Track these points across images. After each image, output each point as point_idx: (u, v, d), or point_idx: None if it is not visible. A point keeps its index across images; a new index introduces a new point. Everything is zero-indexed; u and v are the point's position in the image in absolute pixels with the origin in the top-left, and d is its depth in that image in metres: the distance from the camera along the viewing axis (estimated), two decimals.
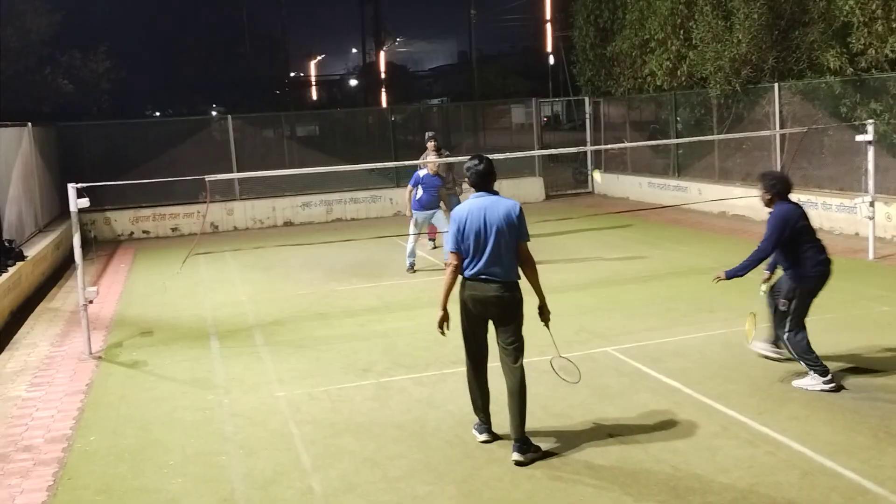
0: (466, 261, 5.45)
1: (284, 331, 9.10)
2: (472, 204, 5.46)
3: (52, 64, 20.31)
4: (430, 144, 13.37)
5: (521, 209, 5.46)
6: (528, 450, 5.36)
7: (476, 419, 5.81)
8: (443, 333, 5.63)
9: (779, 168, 14.99)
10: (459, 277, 5.51)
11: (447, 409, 6.39)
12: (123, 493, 5.28)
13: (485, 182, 5.51)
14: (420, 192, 11.87)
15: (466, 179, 5.57)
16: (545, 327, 5.65)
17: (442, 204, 12.02)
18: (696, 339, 7.87)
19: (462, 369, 7.26)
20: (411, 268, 12.01)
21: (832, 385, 6.27)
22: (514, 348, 5.48)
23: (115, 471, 5.62)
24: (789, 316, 6.43)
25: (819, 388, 6.28)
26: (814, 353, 6.35)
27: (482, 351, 5.65)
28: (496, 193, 5.53)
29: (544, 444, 5.60)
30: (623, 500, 4.81)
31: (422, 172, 11.95)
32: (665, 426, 5.84)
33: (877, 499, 4.66)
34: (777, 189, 6.54)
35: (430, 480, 5.20)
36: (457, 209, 5.56)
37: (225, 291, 11.38)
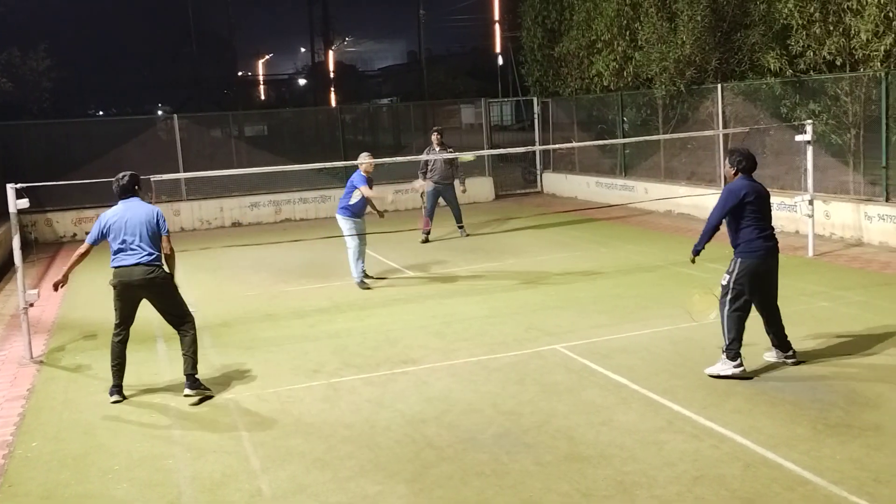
0: (113, 255, 6.86)
1: (233, 332, 9.01)
2: (116, 210, 6.90)
3: None
4: (435, 137, 13.57)
5: (159, 212, 6.95)
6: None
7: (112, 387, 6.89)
8: (56, 290, 7.21)
9: (722, 167, 15.30)
10: (112, 269, 6.89)
11: (397, 409, 6.40)
12: (67, 500, 5.18)
13: (125, 192, 6.96)
14: (354, 197, 10.67)
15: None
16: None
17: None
18: (643, 335, 7.99)
19: (413, 368, 7.31)
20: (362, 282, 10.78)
21: (741, 369, 6.58)
22: (179, 317, 6.98)
23: (57, 477, 5.51)
24: (728, 291, 6.66)
25: (729, 373, 6.57)
26: (739, 338, 6.61)
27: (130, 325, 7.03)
28: (140, 199, 7.01)
29: (492, 441, 5.64)
30: (571, 496, 4.87)
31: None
32: (612, 422, 5.92)
33: (816, 489, 4.80)
34: (742, 165, 6.77)
35: (380, 480, 5.20)
36: (105, 213, 6.95)
37: None
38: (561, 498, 4.85)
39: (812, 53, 13.21)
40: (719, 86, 15.22)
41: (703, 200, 15.09)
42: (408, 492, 5.03)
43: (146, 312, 10.08)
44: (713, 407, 6.08)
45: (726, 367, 6.62)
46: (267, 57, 64.09)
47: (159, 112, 38.19)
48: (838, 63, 13.03)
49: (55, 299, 11.19)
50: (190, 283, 11.89)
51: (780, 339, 6.89)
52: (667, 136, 16.15)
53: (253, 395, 6.90)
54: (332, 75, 49.53)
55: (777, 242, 6.82)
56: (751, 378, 6.58)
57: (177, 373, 7.62)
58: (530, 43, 21.14)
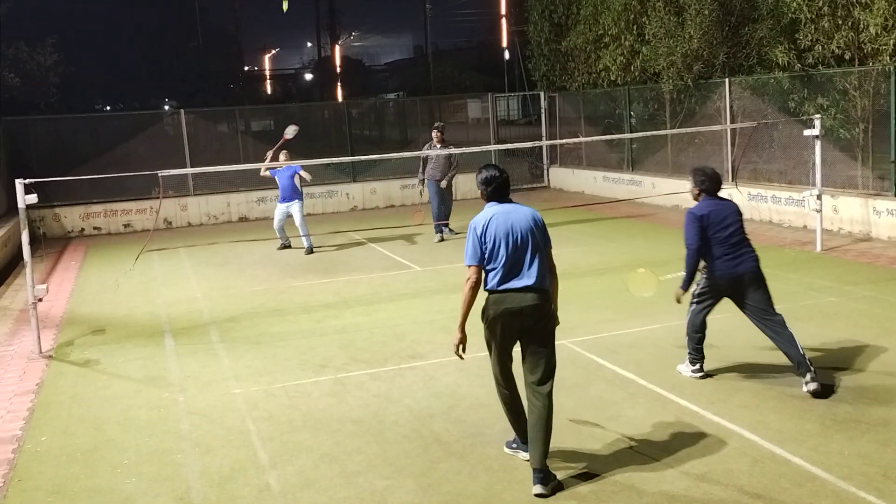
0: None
1: (240, 327, 9.03)
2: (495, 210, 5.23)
3: None
4: (435, 134, 13.56)
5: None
6: (550, 480, 4.89)
7: (512, 437, 5.42)
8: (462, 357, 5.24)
9: (730, 162, 15.27)
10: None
11: (405, 404, 6.40)
12: (76, 494, 5.20)
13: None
14: (278, 183, 13.18)
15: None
16: None
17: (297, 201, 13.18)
18: (651, 330, 7.98)
19: (420, 363, 7.32)
20: (284, 247, 13.56)
21: (699, 374, 6.60)
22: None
23: (67, 471, 5.53)
24: (696, 295, 6.64)
25: (688, 374, 6.65)
26: (699, 342, 6.60)
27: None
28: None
29: (500, 436, 5.64)
30: (579, 490, 4.87)
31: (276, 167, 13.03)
32: (620, 417, 5.92)
33: (824, 484, 4.79)
34: (705, 186, 6.65)
35: (389, 475, 5.21)
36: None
37: (179, 288, 11.24)
38: (568, 493, 4.85)
39: (820, 47, 13.14)
40: (727, 80, 15.16)
41: None
42: (416, 487, 5.03)
43: (153, 307, 10.16)
44: (721, 402, 6.08)
45: (686, 368, 6.71)
46: (273, 52, 64.09)
47: (166, 107, 38.25)
48: (847, 57, 12.98)
49: (64, 294, 11.24)
50: (197, 277, 11.93)
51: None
52: (674, 131, 16.11)
53: (260, 390, 6.91)
54: (338, 70, 49.48)
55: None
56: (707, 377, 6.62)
57: (185, 367, 7.66)
58: (537, 37, 21.09)
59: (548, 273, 5.22)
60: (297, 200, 13.13)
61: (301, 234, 13.12)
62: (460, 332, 5.12)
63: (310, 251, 13.16)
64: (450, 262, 11.92)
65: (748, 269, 6.40)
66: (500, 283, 5.06)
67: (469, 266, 5.07)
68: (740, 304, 6.52)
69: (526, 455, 5.21)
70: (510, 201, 5.35)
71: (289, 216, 13.27)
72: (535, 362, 5.13)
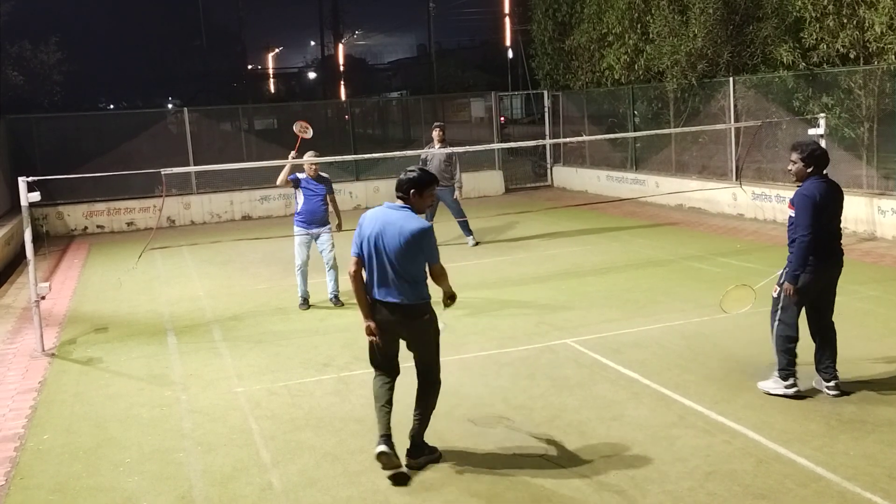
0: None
1: (243, 326, 9.02)
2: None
3: (0, 55, 19.81)
4: (436, 133, 12.62)
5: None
6: (422, 453, 5.27)
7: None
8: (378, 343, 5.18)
9: (733, 161, 15.24)
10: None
11: (407, 403, 6.35)
12: (78, 492, 5.19)
13: None
14: (301, 199, 9.47)
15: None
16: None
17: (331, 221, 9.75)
18: (654, 330, 7.96)
19: None
20: (304, 303, 9.65)
21: (794, 390, 5.98)
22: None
23: (69, 469, 5.52)
24: (779, 305, 6.02)
25: (780, 393, 6.02)
26: (792, 356, 5.99)
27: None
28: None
29: (503, 436, 5.62)
30: (583, 490, 4.85)
31: (302, 174, 9.45)
32: (624, 417, 5.90)
33: (829, 485, 4.76)
34: (818, 162, 5.82)
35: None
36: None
37: (182, 286, 11.23)
38: (572, 493, 4.83)
39: (825, 46, 13.10)
40: (731, 79, 15.12)
41: (714, 195, 15.03)
42: (418, 486, 5.01)
43: (155, 305, 10.15)
44: (725, 402, 6.05)
45: (778, 385, 6.05)
46: (277, 50, 64.25)
47: (169, 105, 38.33)
48: (852, 56, 12.94)
49: (66, 292, 11.24)
50: (200, 276, 11.92)
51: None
52: (678, 130, 16.08)
53: (263, 388, 6.90)
54: (341, 69, 49.54)
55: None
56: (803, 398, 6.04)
57: (187, 366, 7.64)
58: (541, 36, 21.07)
59: (420, 286, 5.14)
60: (327, 227, 9.72)
61: (329, 279, 9.71)
62: (365, 318, 5.16)
63: (337, 301, 9.68)
64: (451, 262, 11.90)
65: (840, 268, 5.99)
66: (371, 289, 5.14)
67: (352, 256, 5.16)
68: (817, 306, 6.05)
69: (381, 447, 5.06)
70: (405, 208, 5.09)
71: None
72: (416, 359, 5.31)
